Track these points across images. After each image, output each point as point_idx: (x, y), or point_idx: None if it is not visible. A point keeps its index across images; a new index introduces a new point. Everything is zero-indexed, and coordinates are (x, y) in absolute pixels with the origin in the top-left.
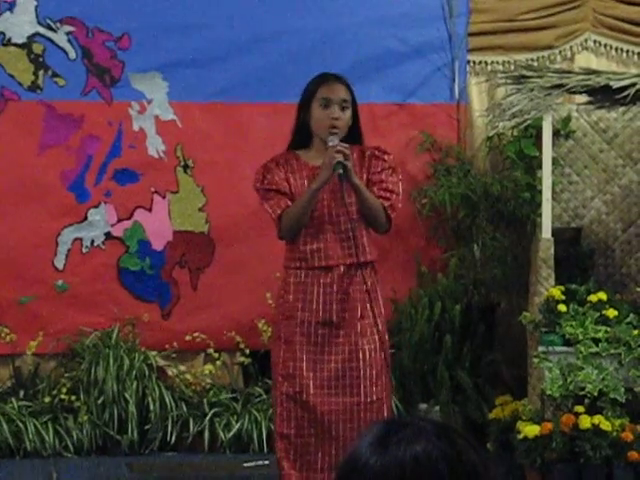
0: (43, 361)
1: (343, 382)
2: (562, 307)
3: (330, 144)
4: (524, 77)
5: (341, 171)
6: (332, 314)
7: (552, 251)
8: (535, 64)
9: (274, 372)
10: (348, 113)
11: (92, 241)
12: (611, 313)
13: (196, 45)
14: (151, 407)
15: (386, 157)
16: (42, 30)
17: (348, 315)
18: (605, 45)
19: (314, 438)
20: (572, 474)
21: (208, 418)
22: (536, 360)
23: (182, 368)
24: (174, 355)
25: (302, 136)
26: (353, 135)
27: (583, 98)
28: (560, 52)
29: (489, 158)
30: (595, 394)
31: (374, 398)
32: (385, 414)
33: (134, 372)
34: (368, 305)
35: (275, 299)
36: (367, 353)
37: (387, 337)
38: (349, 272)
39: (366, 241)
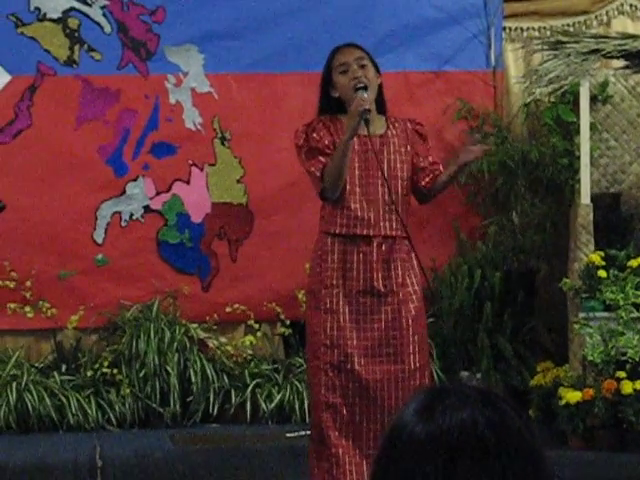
0: (84, 335)
1: (387, 350)
2: (602, 273)
3: (358, 96)
4: (560, 43)
5: (366, 115)
6: (374, 283)
7: (591, 217)
8: (571, 29)
9: (314, 342)
10: (370, 70)
11: (131, 215)
12: None
13: (230, 16)
14: (193, 379)
15: (422, 130)
16: (77, 5)
17: (389, 283)
18: None
19: (359, 407)
20: (615, 440)
21: (250, 389)
22: (577, 326)
23: (223, 340)
24: (215, 327)
25: (329, 108)
26: (378, 105)
27: (620, 63)
28: (596, 17)
29: (526, 125)
30: (636, 359)
31: (418, 365)
32: (425, 382)
33: (175, 345)
34: (408, 273)
35: (311, 267)
36: (410, 320)
37: (425, 307)
38: (387, 242)
39: (406, 215)
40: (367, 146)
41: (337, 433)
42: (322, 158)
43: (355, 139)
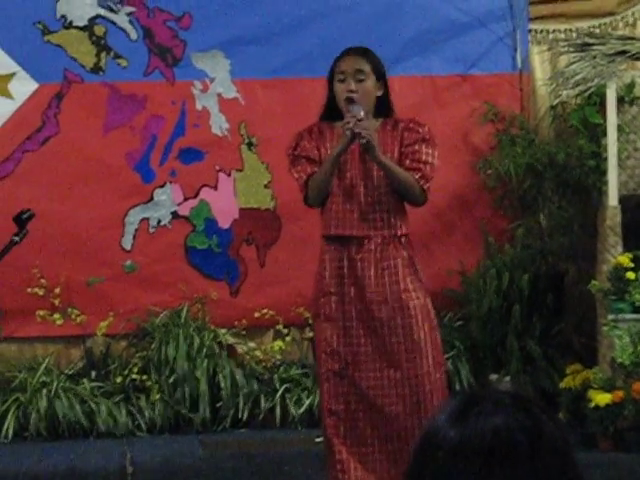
0: (114, 341)
1: (386, 357)
2: (630, 275)
3: (348, 114)
4: (586, 45)
5: (364, 141)
6: (367, 290)
7: (619, 218)
8: (597, 31)
9: (317, 350)
10: (367, 84)
11: (159, 221)
12: None
13: (256, 22)
14: (222, 384)
15: (420, 129)
16: (103, 12)
17: (384, 290)
18: None
19: (362, 413)
20: None
21: (279, 394)
22: (606, 328)
23: (252, 345)
24: (243, 332)
25: (333, 112)
26: (384, 107)
27: None
28: (622, 18)
29: (553, 127)
30: None
31: (417, 372)
32: (435, 386)
33: (204, 350)
34: (407, 279)
35: (315, 275)
36: (407, 327)
37: (431, 309)
38: (382, 246)
39: (398, 215)
40: (349, 149)
41: (341, 439)
42: (307, 167)
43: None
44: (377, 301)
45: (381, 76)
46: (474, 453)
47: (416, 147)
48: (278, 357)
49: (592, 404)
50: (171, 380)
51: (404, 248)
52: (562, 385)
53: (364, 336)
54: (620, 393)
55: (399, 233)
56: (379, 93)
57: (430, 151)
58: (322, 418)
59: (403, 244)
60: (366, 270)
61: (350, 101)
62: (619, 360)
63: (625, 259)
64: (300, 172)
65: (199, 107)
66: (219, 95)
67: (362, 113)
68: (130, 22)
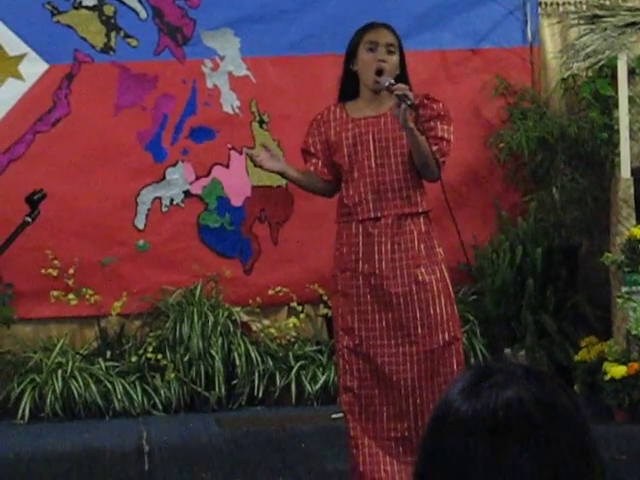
0: (128, 321)
1: (401, 332)
2: None
3: (386, 84)
4: (597, 17)
5: (409, 102)
6: (382, 265)
7: (632, 190)
8: (607, 3)
9: (335, 326)
10: (395, 58)
11: (171, 200)
12: None
13: None
14: (237, 362)
15: (435, 105)
16: None
17: (400, 265)
18: None
19: (377, 389)
20: None
21: (294, 371)
22: (620, 300)
23: (266, 322)
24: (258, 310)
25: (350, 87)
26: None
27: None
28: None
29: (564, 100)
30: None
31: (434, 346)
32: (451, 361)
33: (219, 328)
34: (423, 254)
35: (332, 252)
36: (423, 302)
37: (449, 283)
38: (397, 222)
39: (415, 192)
40: (359, 129)
41: (355, 416)
42: (314, 159)
43: (349, 124)
44: (393, 276)
45: (402, 54)
46: (487, 426)
47: (432, 123)
48: (293, 334)
49: (607, 377)
50: (186, 359)
51: (421, 224)
52: (577, 358)
53: (378, 311)
54: (635, 365)
55: (418, 210)
56: (398, 71)
57: (446, 127)
58: (340, 394)
59: (422, 220)
60: (383, 245)
61: (379, 73)
62: (634, 332)
63: (638, 231)
64: (309, 166)
65: (210, 85)
66: (229, 73)
67: (392, 80)
68: (139, 1)
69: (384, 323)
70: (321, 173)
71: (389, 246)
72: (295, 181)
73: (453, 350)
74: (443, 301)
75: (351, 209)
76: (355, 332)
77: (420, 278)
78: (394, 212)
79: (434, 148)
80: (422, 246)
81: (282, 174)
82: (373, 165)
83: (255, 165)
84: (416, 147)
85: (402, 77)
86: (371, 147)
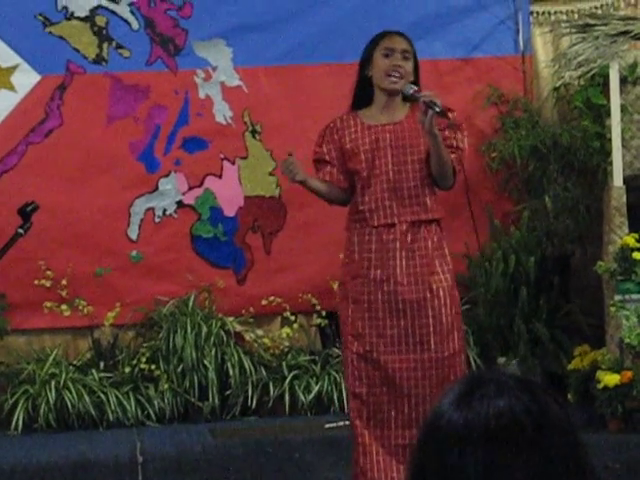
0: (121, 332)
1: (413, 339)
2: (637, 255)
3: (410, 91)
4: (589, 25)
5: (437, 109)
6: (397, 271)
7: (624, 199)
8: (599, 12)
9: (343, 332)
10: (410, 64)
11: (164, 210)
12: None
13: (258, 9)
14: (230, 373)
15: (450, 114)
16: (104, 2)
17: (414, 272)
18: None
19: (386, 396)
20: None
21: (288, 381)
22: (613, 309)
23: (259, 332)
24: (251, 320)
25: (364, 94)
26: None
27: None
28: None
29: (557, 109)
30: None
31: (445, 354)
32: (457, 370)
33: (212, 339)
34: (436, 261)
35: (342, 259)
36: (436, 309)
37: (457, 293)
38: (412, 229)
39: (430, 199)
40: (375, 135)
41: (364, 422)
42: (329, 167)
43: (365, 130)
44: (407, 282)
45: (416, 61)
46: (478, 436)
47: (447, 133)
48: (286, 344)
49: (601, 385)
50: (179, 369)
51: (435, 231)
52: (570, 367)
53: (390, 318)
54: (628, 373)
55: (431, 217)
56: (412, 78)
57: (460, 136)
58: (348, 401)
59: (434, 228)
60: (397, 252)
61: (390, 75)
62: (627, 340)
63: (631, 239)
64: (323, 176)
65: (202, 96)
66: (222, 83)
67: (415, 87)
68: (131, 12)
69: (395, 330)
70: (337, 181)
71: (404, 253)
72: (316, 190)
73: (462, 359)
74: (453, 310)
75: (366, 215)
76: (366, 338)
77: (434, 286)
78: (410, 218)
79: (452, 157)
80: (436, 253)
81: (303, 184)
82: (390, 171)
83: (289, 177)
84: (438, 155)
85: (415, 84)
86: (389, 154)
